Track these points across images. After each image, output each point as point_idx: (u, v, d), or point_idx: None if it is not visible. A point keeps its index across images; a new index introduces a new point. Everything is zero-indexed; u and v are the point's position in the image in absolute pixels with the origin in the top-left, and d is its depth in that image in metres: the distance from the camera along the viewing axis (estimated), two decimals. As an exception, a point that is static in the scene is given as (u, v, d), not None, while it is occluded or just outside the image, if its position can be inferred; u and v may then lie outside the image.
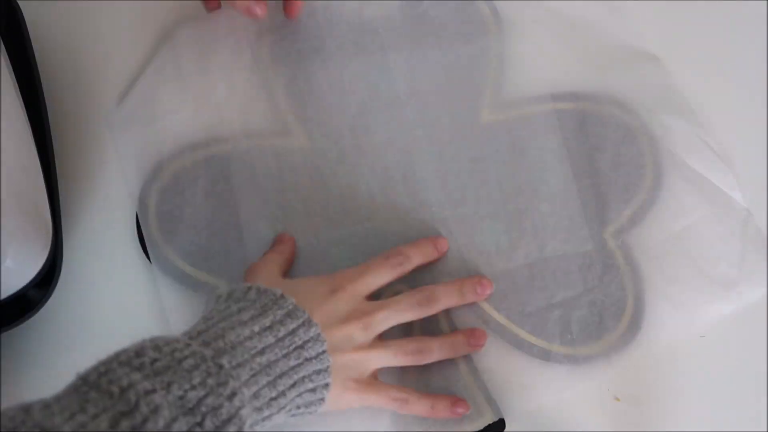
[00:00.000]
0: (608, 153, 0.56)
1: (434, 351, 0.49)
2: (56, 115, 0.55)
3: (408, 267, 0.50)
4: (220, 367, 0.38)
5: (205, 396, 0.36)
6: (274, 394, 0.41)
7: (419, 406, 0.48)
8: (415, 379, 0.50)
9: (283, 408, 0.42)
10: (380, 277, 0.49)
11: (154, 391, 0.34)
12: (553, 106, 0.57)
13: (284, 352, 0.42)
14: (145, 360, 0.36)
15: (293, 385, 0.42)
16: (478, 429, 0.49)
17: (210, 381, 0.37)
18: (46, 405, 0.33)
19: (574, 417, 0.50)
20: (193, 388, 0.36)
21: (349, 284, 0.48)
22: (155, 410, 0.34)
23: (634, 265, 0.53)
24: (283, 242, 0.52)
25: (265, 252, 0.52)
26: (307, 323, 0.43)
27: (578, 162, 0.55)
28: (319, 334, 0.43)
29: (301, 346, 0.43)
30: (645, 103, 0.58)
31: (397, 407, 0.48)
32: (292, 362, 0.42)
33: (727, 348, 0.52)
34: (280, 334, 0.42)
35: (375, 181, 0.55)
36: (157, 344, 0.37)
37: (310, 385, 0.43)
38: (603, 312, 0.52)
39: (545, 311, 0.52)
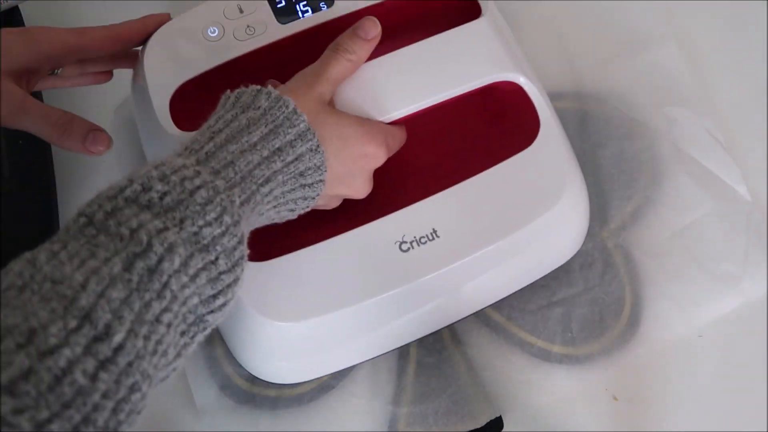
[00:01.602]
0: (610, 149, 0.56)
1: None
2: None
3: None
4: (232, 203, 0.35)
5: (222, 235, 0.34)
6: (267, 221, 0.40)
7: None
8: (413, 380, 0.50)
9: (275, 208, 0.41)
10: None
11: (166, 229, 0.32)
12: (556, 105, 0.56)
13: (286, 178, 0.39)
14: (153, 196, 0.33)
15: (285, 203, 0.40)
16: (476, 427, 0.49)
17: (226, 219, 0.34)
18: (52, 254, 0.30)
19: (573, 417, 0.50)
20: (208, 224, 0.33)
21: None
22: (170, 249, 0.32)
23: (634, 263, 0.53)
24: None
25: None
26: (315, 150, 0.40)
27: (581, 159, 0.55)
28: (322, 163, 0.41)
29: (302, 173, 0.40)
30: (650, 95, 0.57)
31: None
32: (288, 187, 0.40)
33: (727, 347, 0.51)
34: (288, 159, 0.39)
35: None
36: (164, 173, 0.34)
37: (301, 203, 0.42)
38: (603, 310, 0.52)
39: (546, 309, 0.52)
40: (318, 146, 0.40)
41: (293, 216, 0.42)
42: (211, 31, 0.49)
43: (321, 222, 0.45)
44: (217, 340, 0.51)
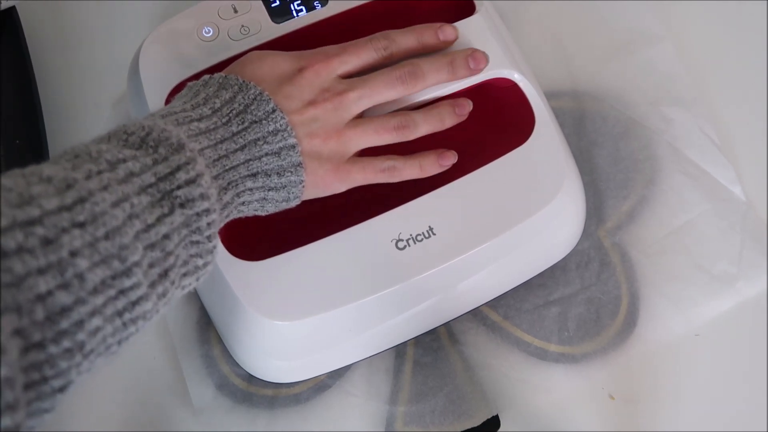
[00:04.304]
0: (607, 149, 0.56)
1: (420, 124, 0.45)
2: (52, 117, 0.56)
3: (394, 50, 0.45)
4: (160, 127, 0.35)
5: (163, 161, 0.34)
6: (216, 156, 0.37)
7: (409, 169, 0.45)
8: (410, 379, 0.50)
9: (246, 177, 0.39)
10: (359, 57, 0.45)
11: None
12: (552, 104, 0.56)
13: (224, 120, 0.39)
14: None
15: (242, 148, 0.39)
16: (473, 426, 0.49)
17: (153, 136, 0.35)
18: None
19: (570, 416, 0.50)
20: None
21: (319, 63, 0.43)
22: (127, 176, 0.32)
23: (631, 262, 0.53)
24: None
25: None
26: (244, 88, 0.40)
27: (577, 158, 0.55)
28: (260, 93, 0.40)
29: (243, 111, 0.39)
30: (647, 94, 0.57)
31: (388, 177, 0.45)
32: (235, 128, 0.39)
33: (724, 346, 0.52)
34: (216, 106, 0.39)
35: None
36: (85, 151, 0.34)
37: (267, 148, 0.40)
38: (600, 309, 0.52)
39: (543, 308, 0.52)
40: (245, 83, 0.40)
41: (297, 188, 0.42)
42: (205, 31, 0.49)
43: (317, 221, 0.45)
44: (214, 340, 0.51)
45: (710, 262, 0.53)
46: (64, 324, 0.28)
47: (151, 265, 0.33)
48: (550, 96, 0.55)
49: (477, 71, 0.47)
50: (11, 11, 0.55)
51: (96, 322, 0.30)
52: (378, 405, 0.50)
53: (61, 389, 0.30)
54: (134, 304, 0.32)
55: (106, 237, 0.30)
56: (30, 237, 0.28)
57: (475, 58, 0.47)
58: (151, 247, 0.32)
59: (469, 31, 0.49)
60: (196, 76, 0.47)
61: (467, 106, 0.47)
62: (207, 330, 0.51)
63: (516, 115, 0.49)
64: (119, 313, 0.31)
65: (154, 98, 0.48)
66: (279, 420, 0.49)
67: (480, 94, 0.49)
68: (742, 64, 0.59)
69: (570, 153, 0.50)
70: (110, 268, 0.30)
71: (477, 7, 0.50)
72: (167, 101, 0.47)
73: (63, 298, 0.28)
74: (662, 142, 0.56)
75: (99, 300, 0.30)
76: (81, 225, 0.29)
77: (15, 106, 0.54)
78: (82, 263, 0.29)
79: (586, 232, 0.52)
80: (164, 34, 0.49)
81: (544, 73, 0.56)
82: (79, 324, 0.29)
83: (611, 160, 0.55)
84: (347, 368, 0.50)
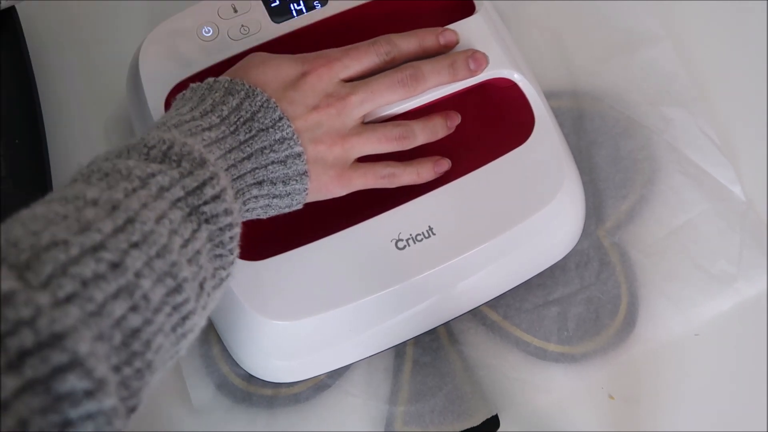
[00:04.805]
0: (606, 148, 0.56)
1: (418, 135, 0.46)
2: (52, 117, 0.56)
3: (396, 54, 0.46)
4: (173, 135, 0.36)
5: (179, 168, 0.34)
6: (225, 166, 0.37)
7: (407, 176, 0.46)
8: (409, 378, 0.50)
9: (252, 185, 0.40)
10: (360, 62, 0.45)
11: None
12: (552, 104, 0.56)
13: (232, 128, 0.39)
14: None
15: (249, 157, 0.39)
16: (472, 426, 0.49)
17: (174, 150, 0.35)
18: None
19: (569, 416, 0.50)
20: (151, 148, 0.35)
21: (321, 67, 0.43)
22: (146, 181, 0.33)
23: (630, 262, 0.53)
24: None
25: None
26: (251, 94, 0.40)
27: (577, 158, 0.55)
28: (267, 101, 0.40)
29: (250, 119, 0.39)
30: (646, 94, 0.57)
31: (387, 183, 0.46)
32: (242, 136, 0.39)
33: (723, 346, 0.52)
34: (224, 114, 0.39)
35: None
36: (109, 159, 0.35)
37: (274, 156, 0.40)
38: (599, 309, 0.52)
39: (542, 308, 0.52)
40: (252, 90, 0.40)
41: (301, 194, 0.42)
42: (205, 31, 0.49)
43: (317, 221, 0.46)
44: (213, 339, 0.51)
45: (710, 262, 0.53)
46: (136, 346, 0.29)
47: (193, 279, 0.33)
48: (550, 96, 0.55)
49: (477, 72, 0.47)
50: (11, 11, 0.55)
51: (159, 339, 0.31)
52: (377, 405, 0.50)
53: (133, 409, 0.30)
54: (185, 318, 0.32)
55: (158, 255, 0.31)
56: (100, 263, 0.28)
57: (476, 59, 0.47)
58: (189, 261, 0.33)
59: (469, 31, 0.49)
60: (196, 76, 0.47)
61: (456, 119, 0.48)
62: (207, 330, 0.51)
63: (516, 115, 0.49)
64: (173, 329, 0.32)
65: (154, 98, 0.48)
66: (278, 420, 0.49)
67: (480, 94, 0.49)
68: (742, 64, 0.59)
69: (570, 153, 0.50)
70: (165, 286, 0.31)
71: (477, 7, 0.50)
72: (167, 101, 0.47)
73: (134, 320, 0.29)
74: (662, 142, 0.56)
75: (161, 318, 0.30)
76: (136, 245, 0.30)
77: (15, 106, 0.54)
78: (146, 283, 0.30)
79: (586, 232, 0.52)
80: (164, 34, 0.49)
81: (544, 73, 0.56)
82: (147, 344, 0.30)
83: (610, 160, 0.55)
84: (347, 368, 0.50)
